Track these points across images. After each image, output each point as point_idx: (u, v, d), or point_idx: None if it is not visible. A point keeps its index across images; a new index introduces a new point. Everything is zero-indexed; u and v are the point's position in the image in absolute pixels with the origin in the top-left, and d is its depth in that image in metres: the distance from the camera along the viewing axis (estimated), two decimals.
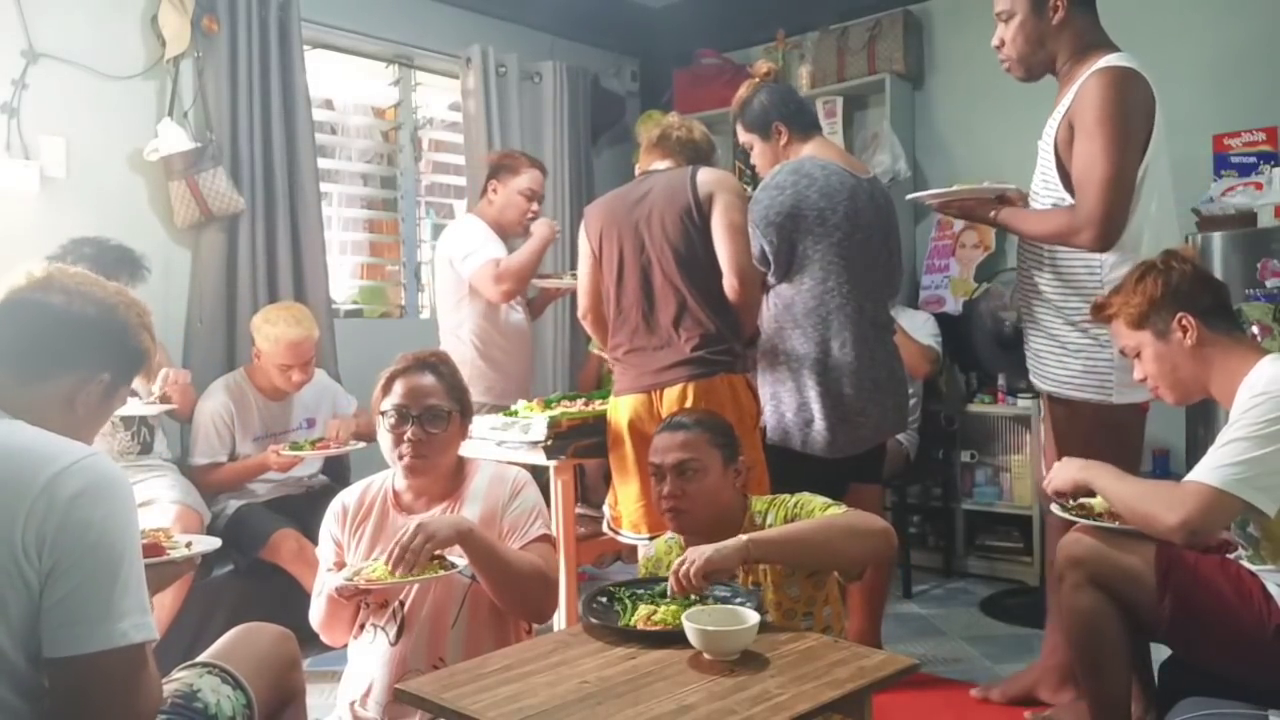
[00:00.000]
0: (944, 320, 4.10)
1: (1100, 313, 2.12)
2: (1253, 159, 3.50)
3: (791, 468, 2.61)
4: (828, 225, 2.73)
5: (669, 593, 1.74)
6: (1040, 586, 3.68)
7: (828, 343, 2.74)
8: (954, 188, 2.61)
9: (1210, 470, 1.81)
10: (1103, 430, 2.41)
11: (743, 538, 1.76)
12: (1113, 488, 1.97)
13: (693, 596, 1.74)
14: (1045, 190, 2.47)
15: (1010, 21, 2.47)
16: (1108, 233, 2.27)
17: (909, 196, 2.65)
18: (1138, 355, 2.06)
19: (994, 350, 3.68)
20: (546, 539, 2.02)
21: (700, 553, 1.71)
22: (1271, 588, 1.86)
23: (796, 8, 4.67)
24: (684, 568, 1.71)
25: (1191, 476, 1.84)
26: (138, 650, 1.26)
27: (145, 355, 1.55)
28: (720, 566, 1.71)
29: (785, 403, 2.76)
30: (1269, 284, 3.16)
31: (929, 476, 4.15)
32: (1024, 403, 3.91)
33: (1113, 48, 2.41)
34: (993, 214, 2.50)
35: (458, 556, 1.86)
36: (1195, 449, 3.34)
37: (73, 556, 1.22)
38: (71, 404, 1.43)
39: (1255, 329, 3.09)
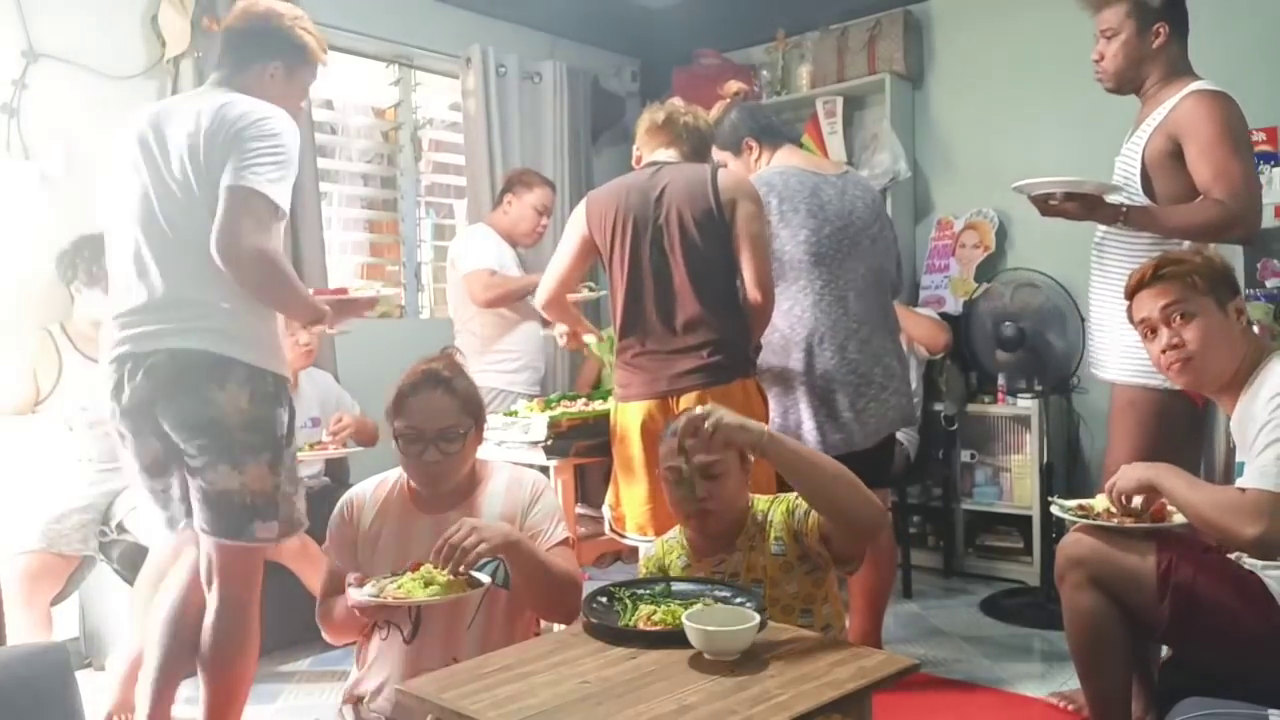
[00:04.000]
0: (944, 320, 4.10)
1: (1162, 269, 2.06)
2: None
3: None
4: (791, 226, 2.75)
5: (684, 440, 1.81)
6: (1041, 586, 3.68)
7: (808, 342, 2.75)
8: (1061, 179, 2.52)
9: (1272, 477, 1.78)
10: (1159, 419, 2.45)
11: (764, 426, 1.81)
12: (1181, 494, 1.92)
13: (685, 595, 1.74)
14: (1124, 193, 2.51)
15: (1114, 39, 2.57)
16: (1257, 224, 2.46)
17: (1015, 185, 2.57)
18: (1179, 321, 2.01)
19: (994, 350, 3.68)
20: (568, 542, 2.02)
21: (709, 409, 1.77)
22: (1272, 586, 1.86)
23: (796, 8, 4.67)
24: (699, 410, 1.78)
25: (1251, 484, 1.81)
26: None
27: (304, 44, 2.28)
28: (735, 434, 1.76)
29: (773, 408, 2.75)
30: (1269, 284, 3.16)
31: (929, 476, 4.14)
32: (1024, 403, 3.91)
33: (1197, 76, 2.54)
34: (1122, 211, 2.45)
35: (477, 571, 1.85)
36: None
37: None
38: (262, 80, 2.24)
39: (1255, 329, 3.09)
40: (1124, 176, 2.54)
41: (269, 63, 2.24)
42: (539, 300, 2.85)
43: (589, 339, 2.99)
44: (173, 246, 2.12)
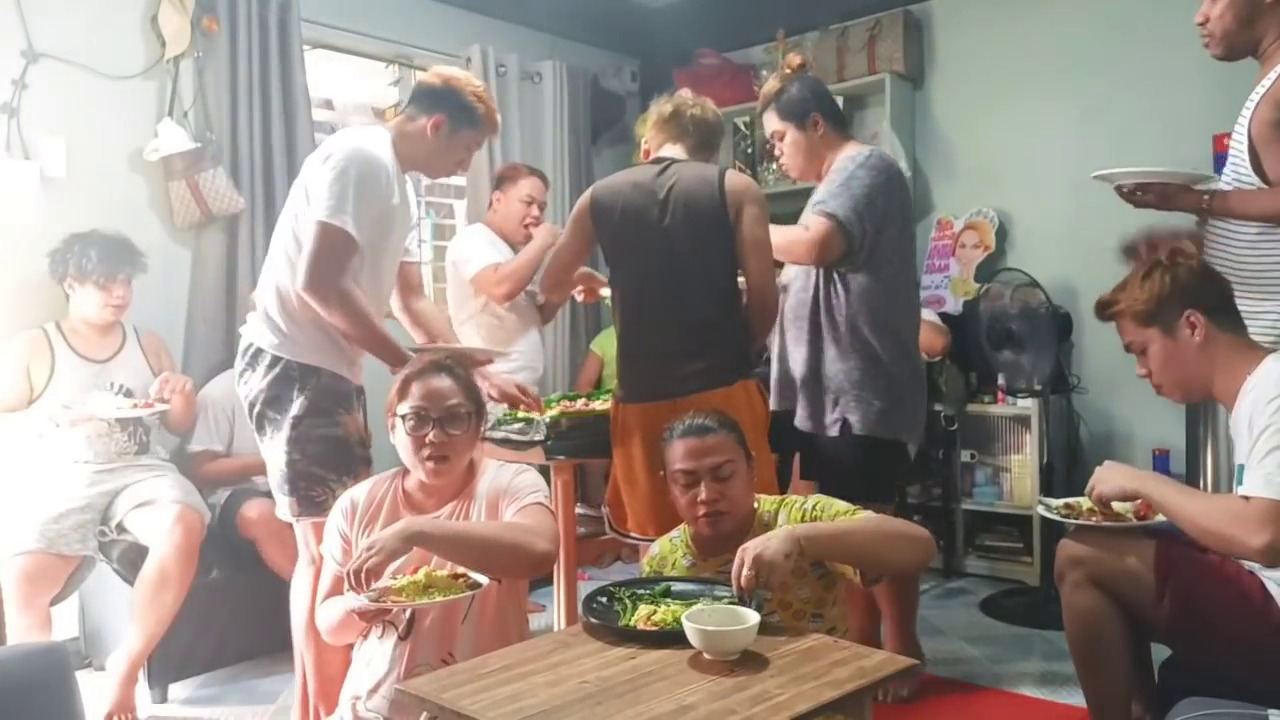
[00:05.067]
0: (944, 320, 4.10)
1: (1105, 310, 2.09)
2: None
3: (885, 458, 2.73)
4: (905, 216, 2.80)
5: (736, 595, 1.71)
6: (1041, 586, 3.68)
7: (902, 332, 2.78)
8: (1146, 169, 2.36)
9: (1277, 485, 1.75)
10: None
11: (788, 532, 1.73)
12: (1174, 502, 1.89)
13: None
14: (1233, 173, 2.33)
15: None
16: None
17: (1096, 174, 2.42)
18: (1143, 351, 2.04)
19: (994, 350, 3.68)
20: (540, 505, 2.01)
21: (760, 559, 1.67)
22: (1271, 587, 1.86)
23: (796, 8, 4.67)
24: (746, 572, 1.67)
25: (1253, 492, 1.78)
26: None
27: (478, 114, 2.48)
28: (783, 568, 1.68)
29: (877, 390, 2.74)
30: None
31: (929, 476, 4.15)
32: (1024, 403, 3.91)
33: None
34: (1205, 199, 2.28)
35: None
36: (1195, 449, 3.33)
37: None
38: (424, 130, 2.44)
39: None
40: (1235, 153, 2.33)
41: (434, 114, 2.45)
42: (543, 289, 2.88)
43: (604, 291, 3.02)
44: None
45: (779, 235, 2.65)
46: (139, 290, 3.12)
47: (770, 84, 2.88)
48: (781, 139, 2.86)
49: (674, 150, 2.61)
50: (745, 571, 1.67)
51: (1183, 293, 1.97)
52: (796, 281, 2.83)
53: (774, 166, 2.97)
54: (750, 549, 1.70)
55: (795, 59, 2.95)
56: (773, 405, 2.87)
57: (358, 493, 2.11)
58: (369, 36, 4.17)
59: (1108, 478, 2.01)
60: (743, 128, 4.82)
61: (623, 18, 5.04)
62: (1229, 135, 3.52)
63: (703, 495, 1.92)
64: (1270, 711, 1.61)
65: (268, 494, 3.13)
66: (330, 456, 2.37)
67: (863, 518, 1.87)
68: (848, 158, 2.77)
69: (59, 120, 3.23)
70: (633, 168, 2.65)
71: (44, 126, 3.20)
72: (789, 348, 2.86)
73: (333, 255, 2.27)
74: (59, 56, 3.23)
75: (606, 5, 4.93)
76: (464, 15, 4.42)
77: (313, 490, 2.35)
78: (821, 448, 2.76)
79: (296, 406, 2.34)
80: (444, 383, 2.03)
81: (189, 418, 3.22)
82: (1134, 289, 2.03)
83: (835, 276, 2.75)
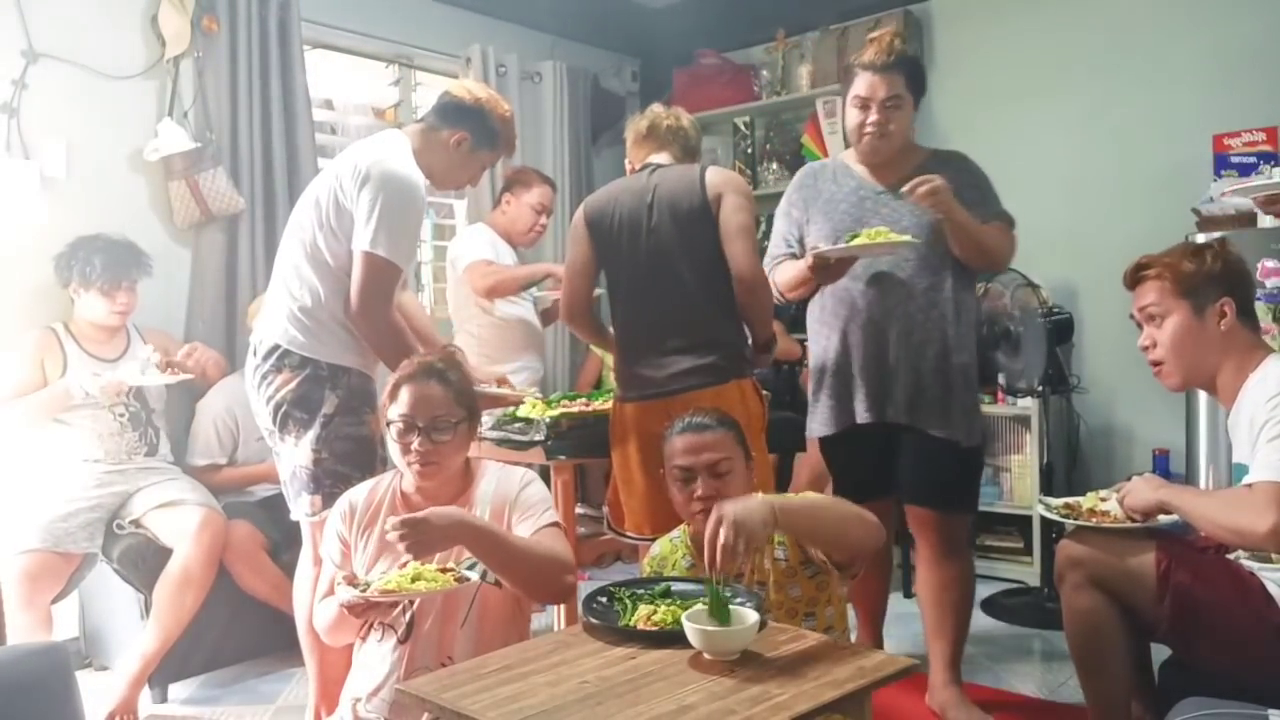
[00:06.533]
0: None
1: (1141, 270, 2.05)
2: (1253, 159, 3.49)
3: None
4: None
5: (710, 572, 1.65)
6: (1041, 587, 3.68)
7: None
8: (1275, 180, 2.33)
9: (1276, 469, 1.78)
10: None
11: (764, 499, 1.70)
12: (1191, 505, 1.92)
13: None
14: None
15: None
16: None
17: (1230, 189, 2.44)
18: (1155, 322, 2.02)
19: (994, 350, 3.68)
20: (557, 525, 2.02)
21: (731, 523, 1.62)
22: (1271, 587, 1.86)
23: (796, 8, 4.67)
24: (720, 540, 1.61)
25: (1258, 478, 1.81)
26: None
27: (501, 138, 2.53)
28: (761, 538, 1.65)
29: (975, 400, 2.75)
30: (1269, 284, 3.16)
31: None
32: (1024, 403, 3.91)
33: None
34: None
35: (467, 569, 1.86)
36: (1195, 449, 3.34)
37: None
38: (447, 144, 2.48)
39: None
40: None
41: (459, 130, 2.49)
42: (565, 315, 2.81)
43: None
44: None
45: (990, 239, 2.59)
46: (139, 290, 3.12)
47: (896, 43, 2.69)
48: (898, 107, 2.67)
49: (659, 158, 2.63)
50: (724, 532, 1.61)
51: (1227, 278, 1.99)
52: (921, 279, 2.61)
53: (875, 125, 2.69)
54: (728, 509, 1.64)
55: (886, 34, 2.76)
56: (863, 419, 2.64)
57: (356, 495, 2.10)
58: (369, 36, 4.18)
59: (1137, 489, 2.03)
60: (743, 128, 4.82)
61: (623, 18, 5.05)
62: (1229, 135, 3.57)
63: (699, 491, 1.92)
64: (1270, 711, 1.61)
65: (251, 513, 3.15)
66: (356, 455, 2.39)
67: (830, 498, 1.89)
68: (970, 160, 2.78)
69: (59, 120, 3.23)
70: (624, 177, 2.67)
71: (44, 126, 3.20)
72: (917, 350, 2.60)
73: (381, 286, 2.33)
74: (59, 56, 3.23)
75: (606, 5, 4.93)
76: (464, 15, 4.42)
77: (337, 488, 2.33)
78: (962, 458, 2.61)
79: (328, 405, 2.37)
80: (433, 390, 2.01)
81: (219, 371, 3.30)
82: (1181, 257, 2.02)
83: (967, 280, 2.69)
